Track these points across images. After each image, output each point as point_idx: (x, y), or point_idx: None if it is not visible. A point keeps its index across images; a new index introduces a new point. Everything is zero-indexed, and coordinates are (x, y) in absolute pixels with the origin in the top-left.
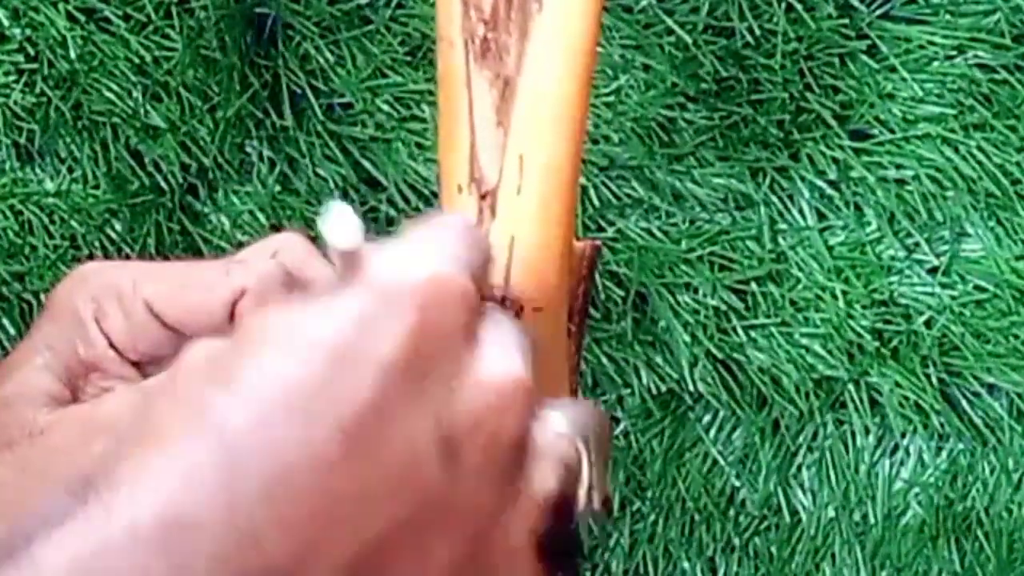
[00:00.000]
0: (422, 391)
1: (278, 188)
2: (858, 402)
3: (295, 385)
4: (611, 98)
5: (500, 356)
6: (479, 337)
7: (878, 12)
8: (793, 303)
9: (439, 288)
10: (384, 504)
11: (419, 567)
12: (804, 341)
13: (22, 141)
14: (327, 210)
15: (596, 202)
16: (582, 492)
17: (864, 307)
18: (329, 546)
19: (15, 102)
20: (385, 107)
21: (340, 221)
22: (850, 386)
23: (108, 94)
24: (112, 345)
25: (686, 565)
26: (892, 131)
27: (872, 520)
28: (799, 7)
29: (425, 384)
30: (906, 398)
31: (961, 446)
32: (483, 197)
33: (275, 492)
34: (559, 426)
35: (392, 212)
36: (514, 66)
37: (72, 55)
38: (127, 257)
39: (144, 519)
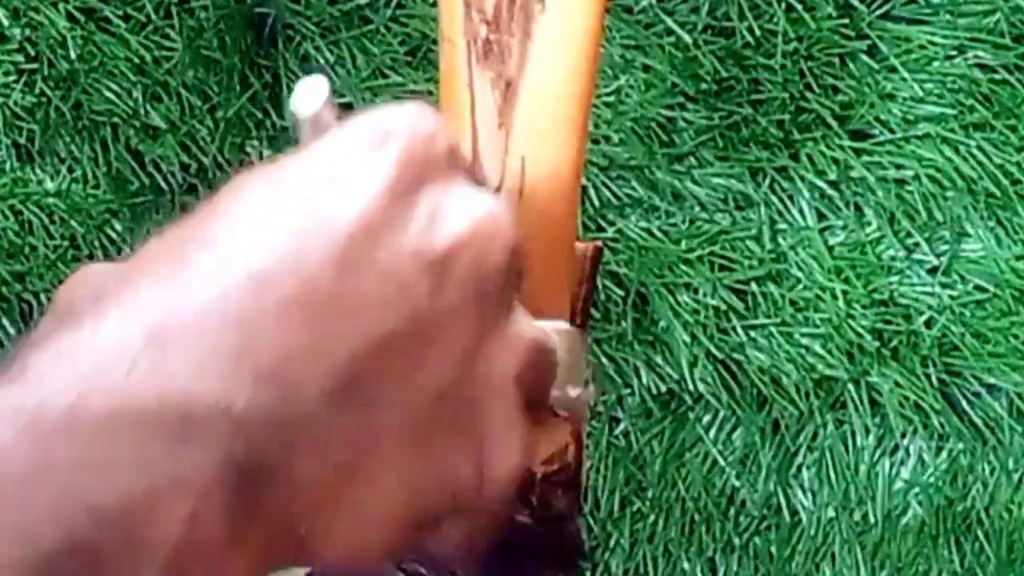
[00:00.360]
0: (409, 214)
1: None
2: (858, 402)
3: (289, 209)
4: (611, 98)
5: (479, 194)
6: (461, 179)
7: (878, 12)
8: (793, 303)
9: (420, 123)
10: (372, 317)
11: (406, 384)
12: (804, 341)
13: (22, 141)
14: (300, 83)
15: (596, 202)
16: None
17: (864, 307)
18: (318, 356)
19: (15, 102)
20: None
21: (310, 89)
22: (850, 386)
23: (108, 94)
24: None
25: (686, 565)
26: (892, 131)
27: (872, 520)
28: (799, 7)
29: (411, 208)
30: (906, 398)
31: (961, 446)
32: None
33: (268, 301)
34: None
35: None
36: (516, 67)
37: (72, 55)
38: (126, 257)
39: (142, 325)
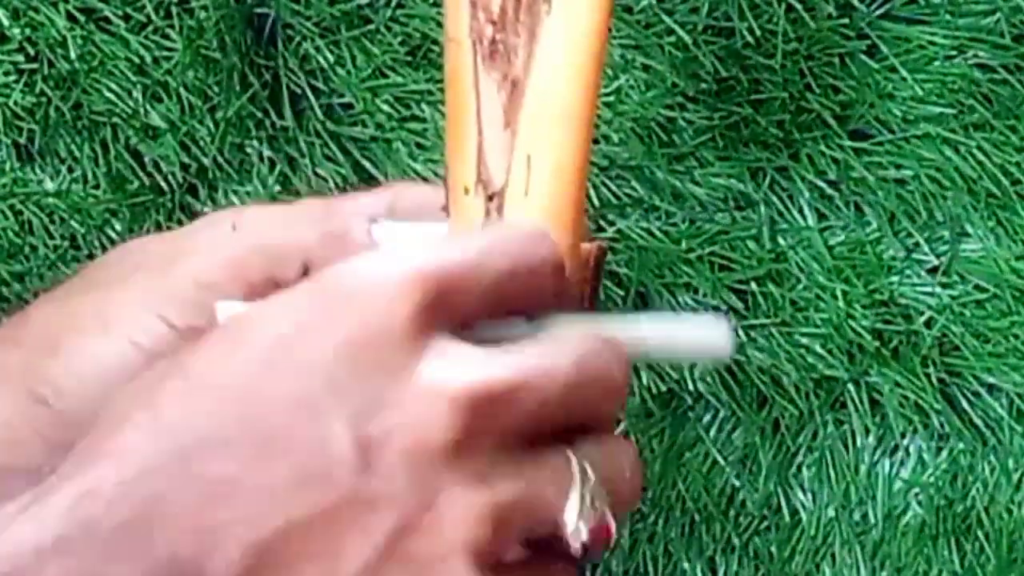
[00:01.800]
0: (347, 394)
1: (278, 188)
2: (858, 402)
3: (226, 379)
4: (611, 98)
5: (440, 367)
6: (426, 345)
7: (878, 12)
8: (793, 303)
9: (383, 293)
10: (290, 499)
11: (329, 563)
12: (804, 341)
13: (22, 141)
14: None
15: (596, 202)
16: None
17: (864, 307)
18: (231, 534)
19: (15, 102)
20: (385, 107)
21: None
22: (850, 386)
23: (108, 94)
24: None
25: (686, 565)
26: (892, 131)
27: (872, 520)
28: (799, 7)
29: (352, 387)
30: (906, 398)
31: (961, 446)
32: (490, 199)
33: (182, 475)
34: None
35: None
36: (522, 68)
37: (72, 55)
38: None
39: (72, 494)
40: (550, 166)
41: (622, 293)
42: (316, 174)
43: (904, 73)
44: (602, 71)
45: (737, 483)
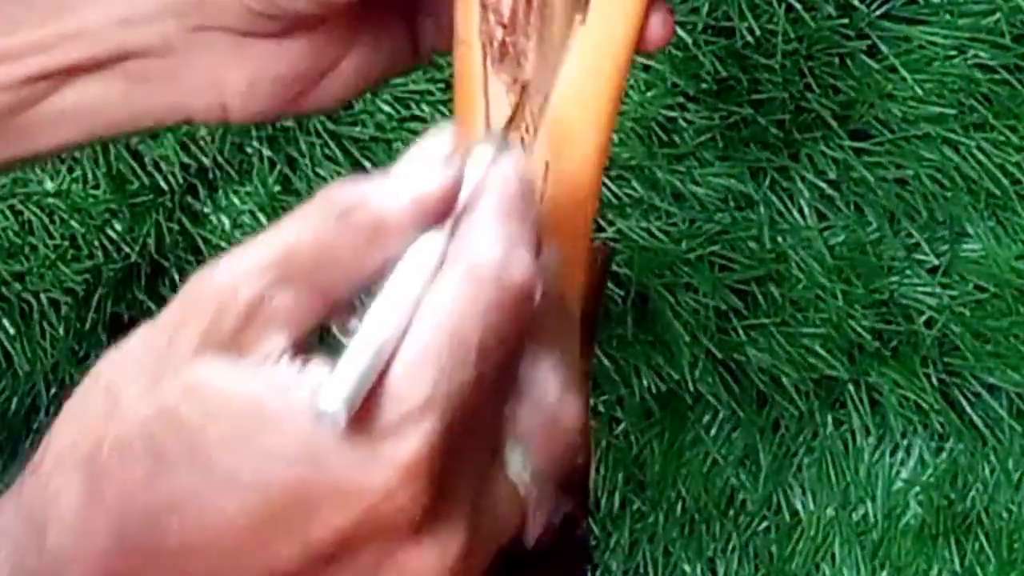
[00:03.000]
0: (345, 566)
1: (278, 188)
2: (858, 402)
3: (226, 527)
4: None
5: (429, 552)
6: (424, 530)
7: (878, 12)
8: (793, 303)
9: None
10: None
11: None
12: (804, 341)
13: None
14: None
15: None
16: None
17: (864, 307)
18: None
19: None
20: (385, 107)
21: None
22: (850, 386)
23: None
24: None
25: (686, 565)
26: (892, 131)
27: (872, 520)
28: (799, 7)
29: (351, 560)
30: (906, 398)
31: (961, 446)
32: None
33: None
34: None
35: None
36: (532, 70)
37: None
38: (127, 257)
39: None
40: (567, 173)
41: (622, 293)
42: (316, 174)
43: (904, 73)
44: (626, 79)
45: (737, 483)
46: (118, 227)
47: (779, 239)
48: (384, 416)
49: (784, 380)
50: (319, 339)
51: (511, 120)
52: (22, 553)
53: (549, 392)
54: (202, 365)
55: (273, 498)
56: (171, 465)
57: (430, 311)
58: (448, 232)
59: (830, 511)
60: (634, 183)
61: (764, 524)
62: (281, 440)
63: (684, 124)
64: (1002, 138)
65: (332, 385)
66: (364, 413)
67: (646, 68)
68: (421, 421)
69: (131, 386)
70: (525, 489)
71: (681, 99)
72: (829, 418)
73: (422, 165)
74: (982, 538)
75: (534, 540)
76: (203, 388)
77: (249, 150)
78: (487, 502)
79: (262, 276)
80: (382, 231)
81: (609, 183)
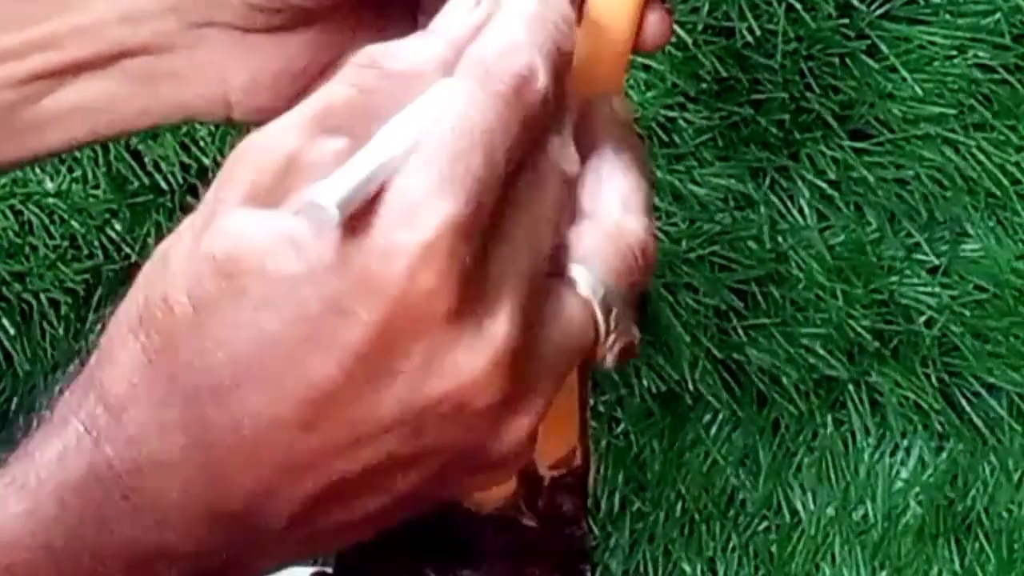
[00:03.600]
0: (391, 371)
1: None
2: (858, 402)
3: (268, 352)
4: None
5: (473, 346)
6: (462, 319)
7: (878, 12)
8: (793, 303)
9: (428, 267)
10: (343, 458)
11: (381, 498)
12: (804, 341)
13: None
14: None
15: None
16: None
17: (864, 307)
18: (286, 492)
19: None
20: None
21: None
22: (850, 386)
23: None
24: None
25: (686, 565)
26: (892, 131)
27: (872, 520)
28: (799, 7)
29: (395, 365)
30: (906, 398)
31: (961, 446)
32: None
33: (240, 443)
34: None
35: None
36: None
37: None
38: (127, 257)
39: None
40: None
41: None
42: None
43: (904, 73)
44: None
45: (737, 483)
46: (118, 227)
47: (779, 239)
48: (395, 206)
49: (784, 380)
50: None
51: None
52: (87, 413)
53: (611, 211)
54: (239, 213)
55: (306, 314)
56: (213, 304)
57: (436, 107)
58: None
59: (830, 511)
60: None
61: (764, 524)
62: (306, 262)
63: (684, 124)
64: (1002, 138)
65: (330, 183)
66: (374, 209)
67: (646, 68)
68: (435, 204)
69: (179, 247)
70: (600, 306)
71: (681, 99)
72: (829, 418)
73: (454, 13)
74: (982, 538)
75: (613, 362)
76: (236, 233)
77: None
78: (552, 310)
79: (301, 131)
80: (418, 77)
81: None
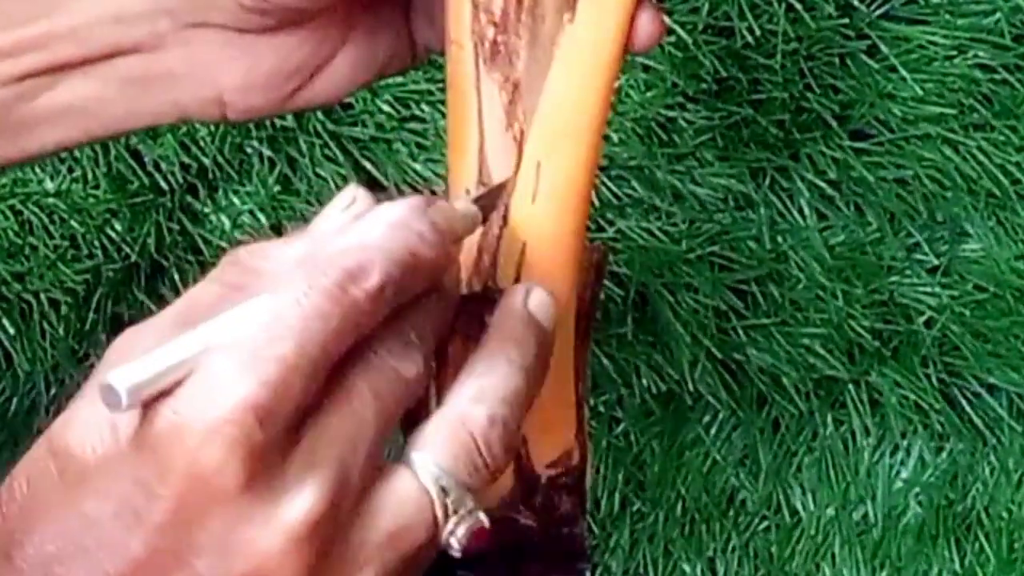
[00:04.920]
0: (193, 546)
1: (278, 188)
2: (858, 402)
3: (85, 529)
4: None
5: (268, 522)
6: (256, 495)
7: (878, 12)
8: (793, 303)
9: (213, 443)
10: None
11: None
12: (804, 341)
13: None
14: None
15: (596, 202)
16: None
17: (864, 307)
18: None
19: None
20: (385, 107)
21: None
22: (850, 386)
23: None
24: None
25: (686, 565)
26: (892, 131)
27: (872, 520)
28: (799, 7)
29: (195, 539)
30: (906, 398)
31: (961, 446)
32: None
33: None
34: None
35: None
36: (524, 69)
37: None
38: (127, 257)
39: None
40: (560, 175)
41: (622, 293)
42: (316, 174)
43: (904, 73)
44: (616, 79)
45: (737, 483)
46: (118, 227)
47: (779, 239)
48: (195, 388)
49: (784, 380)
50: None
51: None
52: None
53: (460, 402)
54: (87, 403)
55: (117, 492)
56: (44, 486)
57: (260, 301)
58: None
59: (830, 511)
60: (634, 183)
61: (764, 524)
62: (116, 443)
63: (684, 124)
64: (1002, 138)
65: (129, 367)
66: (175, 391)
67: (646, 68)
68: (232, 385)
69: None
70: (436, 490)
71: (681, 99)
72: (829, 418)
73: (328, 213)
74: (982, 538)
75: (459, 550)
76: (72, 419)
77: (249, 150)
78: (381, 492)
79: (162, 330)
80: (276, 275)
81: (609, 183)
